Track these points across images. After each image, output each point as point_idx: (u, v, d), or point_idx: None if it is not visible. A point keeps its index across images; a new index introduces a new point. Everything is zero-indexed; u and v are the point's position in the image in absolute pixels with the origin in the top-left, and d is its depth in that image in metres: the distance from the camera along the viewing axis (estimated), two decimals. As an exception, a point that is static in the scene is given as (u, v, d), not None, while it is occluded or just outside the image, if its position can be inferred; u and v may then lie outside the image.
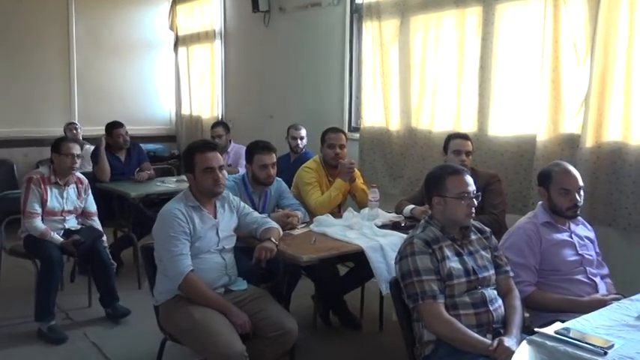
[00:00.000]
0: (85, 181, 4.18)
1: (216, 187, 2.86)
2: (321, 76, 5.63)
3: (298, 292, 3.76)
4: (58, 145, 3.98)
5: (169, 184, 5.15)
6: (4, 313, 4.10)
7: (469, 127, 4.23)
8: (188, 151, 2.93)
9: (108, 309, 4.04)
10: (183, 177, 5.27)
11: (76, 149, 3.98)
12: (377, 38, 4.89)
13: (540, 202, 2.83)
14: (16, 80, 6.86)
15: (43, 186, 3.89)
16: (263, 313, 2.77)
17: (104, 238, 4.10)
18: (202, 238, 2.83)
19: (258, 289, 3.01)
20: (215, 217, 2.92)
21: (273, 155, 3.56)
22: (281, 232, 3.10)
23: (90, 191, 4.19)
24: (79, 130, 6.43)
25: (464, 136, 3.66)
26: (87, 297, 4.28)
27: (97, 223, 4.17)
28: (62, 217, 3.97)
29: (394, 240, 3.10)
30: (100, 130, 6.49)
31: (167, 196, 5.23)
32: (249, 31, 6.62)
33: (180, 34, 7.76)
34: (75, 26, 7.16)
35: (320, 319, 3.95)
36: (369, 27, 4.97)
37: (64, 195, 3.99)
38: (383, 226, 3.36)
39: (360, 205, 3.91)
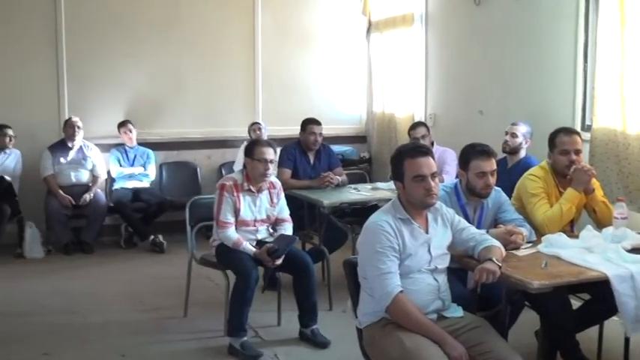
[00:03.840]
0: (278, 184, 4.57)
1: (428, 197, 2.99)
2: (545, 64, 5.55)
3: (516, 326, 3.74)
4: (251, 148, 4.38)
5: (364, 191, 5.40)
6: (195, 326, 4.66)
7: None
8: (396, 156, 3.10)
9: (306, 330, 4.34)
10: (380, 184, 5.59)
11: (270, 154, 4.34)
12: (615, 13, 4.71)
13: None
14: (199, 76, 7.62)
15: (236, 193, 4.33)
16: (483, 347, 2.85)
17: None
18: (413, 255, 2.98)
19: (476, 317, 3.10)
20: (427, 232, 3.06)
21: (493, 161, 3.61)
22: (503, 252, 3.13)
23: (282, 195, 4.56)
24: (263, 131, 7.03)
25: None
26: (276, 314, 4.68)
27: (288, 230, 4.50)
28: (255, 228, 4.39)
29: (650, 269, 3.01)
30: (285, 130, 7.04)
31: (359, 206, 5.58)
32: (457, 11, 6.71)
33: (373, 19, 8.08)
34: (261, 14, 7.80)
35: (543, 361, 3.91)
36: (607, -1, 4.81)
37: (257, 203, 4.40)
38: (633, 250, 3.25)
39: (600, 223, 3.82)
